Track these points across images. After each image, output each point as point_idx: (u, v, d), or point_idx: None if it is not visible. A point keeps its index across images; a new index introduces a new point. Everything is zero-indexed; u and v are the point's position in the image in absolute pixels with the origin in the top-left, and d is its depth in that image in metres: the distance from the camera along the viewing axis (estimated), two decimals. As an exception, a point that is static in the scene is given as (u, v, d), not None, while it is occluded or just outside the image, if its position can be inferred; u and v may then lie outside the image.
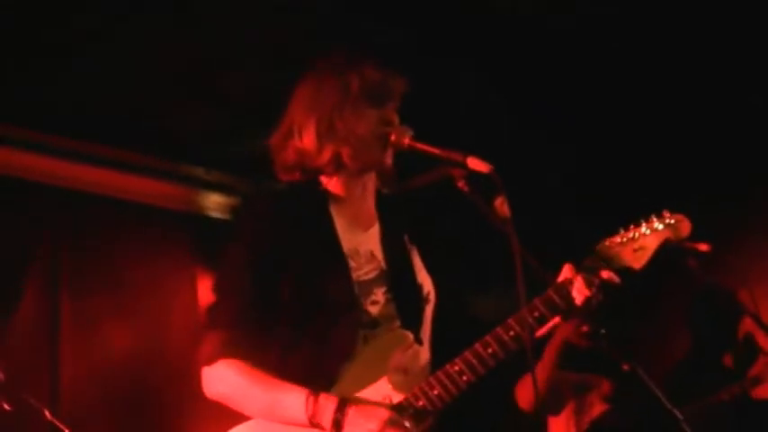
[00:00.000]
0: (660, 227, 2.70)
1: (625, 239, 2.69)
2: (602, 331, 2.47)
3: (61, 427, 3.72)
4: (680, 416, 2.45)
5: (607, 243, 2.70)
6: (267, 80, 2.87)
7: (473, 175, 2.50)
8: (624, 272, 2.64)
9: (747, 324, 4.41)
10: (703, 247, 3.73)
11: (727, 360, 4.90)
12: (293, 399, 2.51)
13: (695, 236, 3.66)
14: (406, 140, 2.65)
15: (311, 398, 2.49)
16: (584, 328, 2.56)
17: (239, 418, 2.60)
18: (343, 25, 4.26)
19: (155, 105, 4.73)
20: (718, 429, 4.28)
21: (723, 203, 5.54)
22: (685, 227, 2.71)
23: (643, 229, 2.70)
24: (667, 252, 2.77)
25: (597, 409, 4.37)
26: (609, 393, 4.37)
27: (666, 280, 4.45)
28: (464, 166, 2.50)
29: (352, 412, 2.46)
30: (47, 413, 3.71)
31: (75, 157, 4.96)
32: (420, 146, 2.63)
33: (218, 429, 2.60)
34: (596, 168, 5.65)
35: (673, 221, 2.71)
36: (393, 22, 4.33)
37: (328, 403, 2.48)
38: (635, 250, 2.68)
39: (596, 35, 4.71)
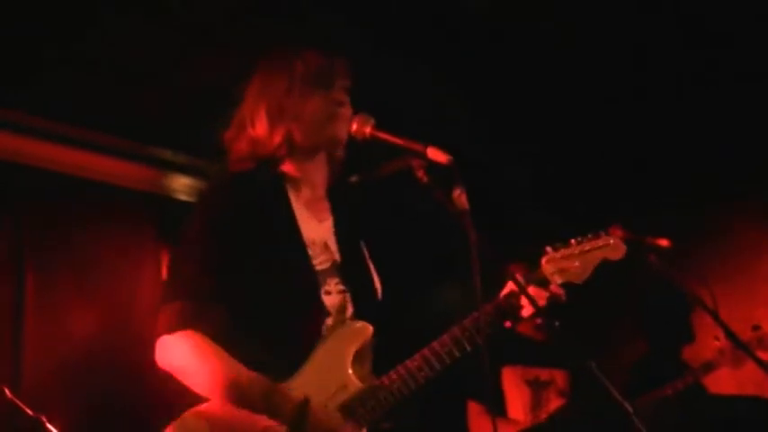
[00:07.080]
0: (600, 245, 2.80)
1: (568, 254, 2.77)
2: (556, 324, 2.49)
3: (21, 405, 3.71)
4: (630, 409, 2.47)
5: (551, 256, 2.77)
6: (237, 64, 2.88)
7: (432, 166, 2.50)
8: (566, 285, 2.74)
9: (702, 315, 4.47)
10: (664, 242, 3.79)
11: (683, 352, 4.99)
12: (251, 388, 2.49)
13: (661, 233, 3.74)
14: (368, 129, 2.65)
15: (270, 393, 2.48)
16: (538, 321, 2.60)
17: (201, 401, 2.57)
18: (309, 23, 4.28)
19: (123, 85, 4.71)
20: (670, 420, 4.35)
21: (692, 206, 5.63)
22: (620, 251, 2.82)
23: (585, 245, 2.79)
24: (629, 249, 2.85)
25: (554, 403, 4.41)
26: (565, 387, 4.41)
27: (624, 278, 4.50)
28: (424, 156, 2.50)
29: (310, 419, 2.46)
30: (7, 391, 3.70)
31: (42, 135, 4.92)
32: (381, 135, 2.63)
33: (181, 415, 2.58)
34: (576, 168, 5.69)
35: (610, 243, 2.82)
36: (352, 18, 4.34)
37: (286, 402, 2.47)
38: (577, 265, 2.77)
39: (568, 32, 4.72)
